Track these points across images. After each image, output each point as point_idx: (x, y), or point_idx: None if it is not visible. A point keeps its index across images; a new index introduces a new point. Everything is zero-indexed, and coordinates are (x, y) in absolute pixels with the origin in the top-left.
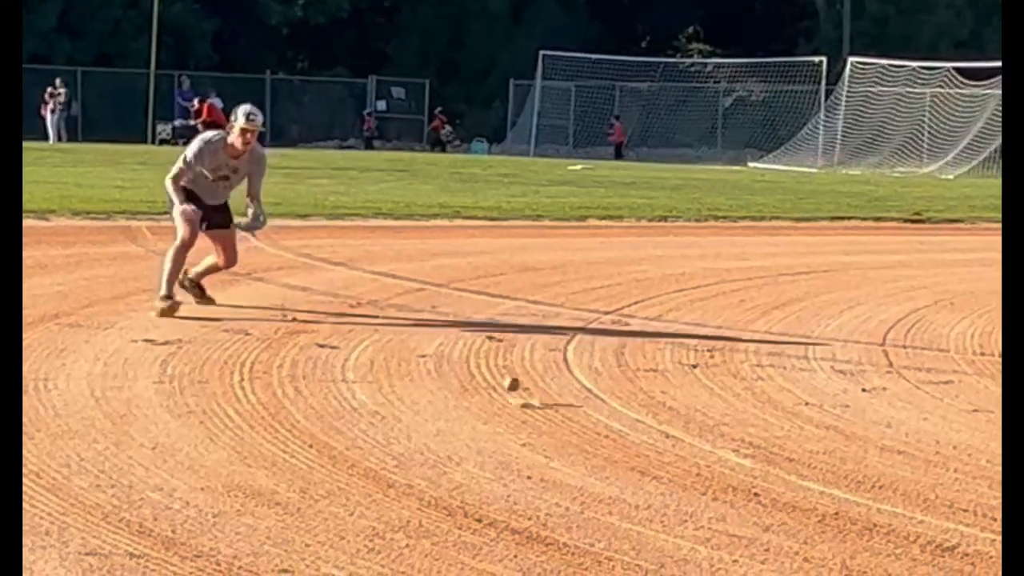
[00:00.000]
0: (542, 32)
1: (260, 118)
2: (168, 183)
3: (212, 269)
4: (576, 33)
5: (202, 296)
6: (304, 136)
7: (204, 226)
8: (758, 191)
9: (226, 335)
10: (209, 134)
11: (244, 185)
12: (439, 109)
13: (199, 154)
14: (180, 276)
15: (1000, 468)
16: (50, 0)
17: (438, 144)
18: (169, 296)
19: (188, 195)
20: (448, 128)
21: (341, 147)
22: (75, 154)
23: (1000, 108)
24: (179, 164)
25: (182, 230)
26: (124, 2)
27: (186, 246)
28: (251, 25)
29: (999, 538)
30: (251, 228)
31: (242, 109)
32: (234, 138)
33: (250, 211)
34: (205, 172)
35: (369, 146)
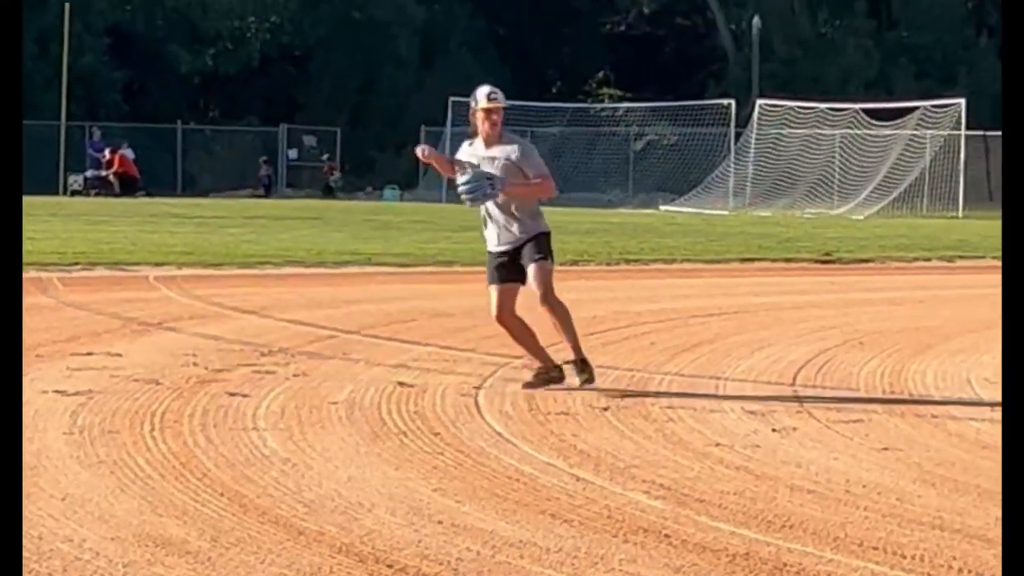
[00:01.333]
0: (453, 78)
1: (501, 95)
2: None
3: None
4: (487, 79)
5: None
6: (217, 185)
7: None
8: (669, 234)
9: (137, 385)
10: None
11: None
12: (327, 156)
13: (460, 153)
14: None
15: (911, 507)
16: None
17: (328, 190)
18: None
19: (492, 265)
20: (337, 175)
21: (253, 195)
22: None
23: (908, 147)
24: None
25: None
26: (33, 53)
27: (498, 320)
28: (162, 75)
29: (908, 575)
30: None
31: (480, 91)
32: (480, 124)
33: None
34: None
35: (267, 193)
